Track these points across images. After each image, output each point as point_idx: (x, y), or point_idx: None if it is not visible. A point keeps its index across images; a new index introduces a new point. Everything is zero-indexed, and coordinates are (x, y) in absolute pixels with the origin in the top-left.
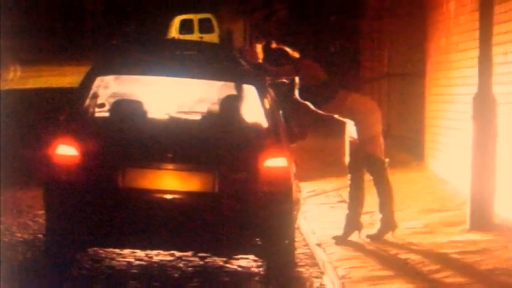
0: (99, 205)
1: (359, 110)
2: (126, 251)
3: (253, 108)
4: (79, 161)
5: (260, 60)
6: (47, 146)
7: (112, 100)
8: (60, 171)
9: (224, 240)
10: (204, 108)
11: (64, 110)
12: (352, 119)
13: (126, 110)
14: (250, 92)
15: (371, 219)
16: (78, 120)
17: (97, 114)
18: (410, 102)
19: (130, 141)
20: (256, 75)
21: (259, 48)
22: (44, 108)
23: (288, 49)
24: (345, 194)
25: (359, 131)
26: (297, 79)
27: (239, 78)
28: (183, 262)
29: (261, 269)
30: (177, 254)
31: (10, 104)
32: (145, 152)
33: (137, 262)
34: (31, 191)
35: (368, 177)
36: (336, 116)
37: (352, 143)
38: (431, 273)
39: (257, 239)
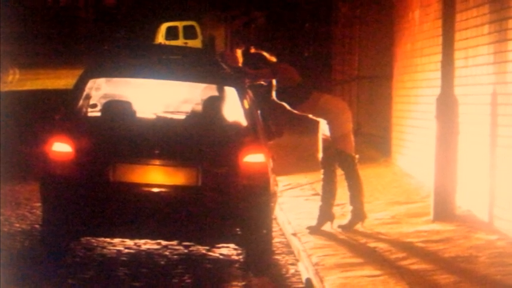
0: (91, 198)
1: (331, 110)
2: (116, 240)
3: (234, 109)
4: (73, 157)
5: (240, 64)
6: (43, 143)
7: (103, 101)
8: (56, 166)
9: (207, 230)
10: (188, 108)
11: (59, 110)
12: (324, 118)
13: (116, 110)
14: (231, 93)
15: (342, 210)
16: (72, 120)
17: (89, 114)
18: (378, 103)
19: (120, 138)
20: (236, 78)
21: (239, 53)
22: (41, 108)
23: (265, 54)
24: (319, 187)
25: (331, 129)
26: (274, 81)
27: (221, 81)
28: (169, 250)
29: (240, 256)
30: (164, 243)
31: (9, 104)
32: (134, 149)
33: (126, 250)
34: (29, 184)
35: (340, 172)
36: (310, 116)
37: (324, 140)
38: (398, 261)
39: (237, 229)
